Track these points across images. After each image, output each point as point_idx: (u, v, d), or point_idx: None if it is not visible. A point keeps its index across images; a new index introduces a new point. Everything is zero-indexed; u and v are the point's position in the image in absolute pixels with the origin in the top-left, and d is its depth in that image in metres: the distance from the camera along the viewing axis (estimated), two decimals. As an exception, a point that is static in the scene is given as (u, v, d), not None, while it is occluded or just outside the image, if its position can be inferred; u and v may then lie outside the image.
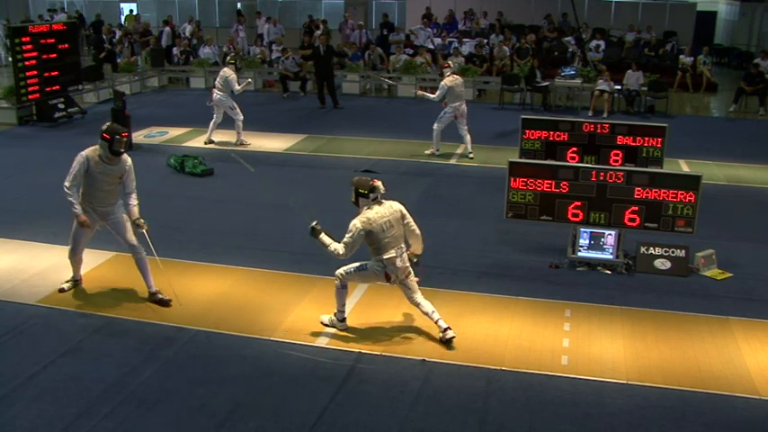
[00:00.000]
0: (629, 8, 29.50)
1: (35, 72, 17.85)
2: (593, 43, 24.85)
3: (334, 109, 20.37)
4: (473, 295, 8.87)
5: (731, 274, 9.55)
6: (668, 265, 9.58)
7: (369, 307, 8.54)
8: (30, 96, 17.89)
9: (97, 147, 8.40)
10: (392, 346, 7.67)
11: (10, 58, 26.24)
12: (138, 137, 16.48)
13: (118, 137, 8.31)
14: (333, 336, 7.91)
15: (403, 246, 7.80)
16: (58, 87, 18.58)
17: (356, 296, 8.76)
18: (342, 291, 7.94)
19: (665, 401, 6.79)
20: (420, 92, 16.01)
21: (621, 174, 9.41)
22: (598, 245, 9.65)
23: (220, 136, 16.36)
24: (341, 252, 7.60)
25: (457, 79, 14.76)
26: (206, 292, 8.90)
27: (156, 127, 17.82)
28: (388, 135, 16.19)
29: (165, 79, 24.73)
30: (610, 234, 9.59)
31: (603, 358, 7.49)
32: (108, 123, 8.67)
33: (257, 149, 15.75)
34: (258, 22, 29.12)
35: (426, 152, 15.24)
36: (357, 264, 7.89)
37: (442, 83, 14.72)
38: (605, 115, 18.91)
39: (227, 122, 16.12)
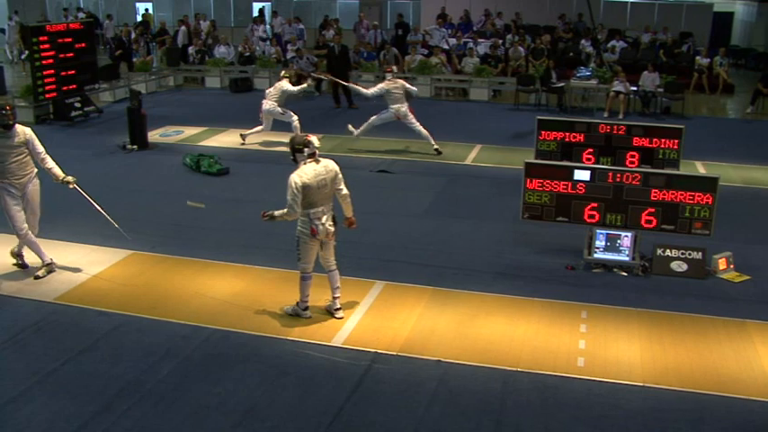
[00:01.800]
0: (644, 9, 29.37)
1: (52, 71, 17.96)
2: (612, 43, 24.75)
3: (349, 109, 20.37)
4: (488, 296, 8.86)
5: (749, 277, 9.50)
6: (685, 267, 9.54)
7: (384, 307, 8.54)
8: (47, 95, 18.01)
9: None
10: (408, 347, 7.67)
11: (22, 57, 26.76)
12: (154, 136, 16.55)
13: (3, 111, 8.78)
14: (349, 336, 7.91)
15: (331, 205, 8.05)
16: (74, 86, 18.68)
17: (372, 296, 8.79)
18: (304, 282, 8.15)
19: (681, 404, 6.76)
20: (354, 85, 16.44)
21: (638, 175, 9.38)
22: (614, 246, 9.62)
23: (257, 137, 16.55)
24: (292, 211, 7.74)
25: (396, 83, 15.19)
26: (222, 290, 8.92)
27: (172, 126, 17.88)
28: (403, 135, 16.15)
29: (180, 78, 24.81)
30: (626, 236, 9.56)
31: (620, 360, 7.47)
32: None
33: (270, 149, 15.80)
34: (274, 22, 29.21)
35: (350, 128, 15.69)
36: (295, 244, 8.11)
37: (381, 85, 15.28)
38: (621, 116, 18.85)
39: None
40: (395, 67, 16.26)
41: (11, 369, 7.25)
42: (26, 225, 9.13)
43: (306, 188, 7.69)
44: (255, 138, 16.34)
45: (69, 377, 7.11)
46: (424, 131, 15.24)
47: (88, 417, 6.49)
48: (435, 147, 15.27)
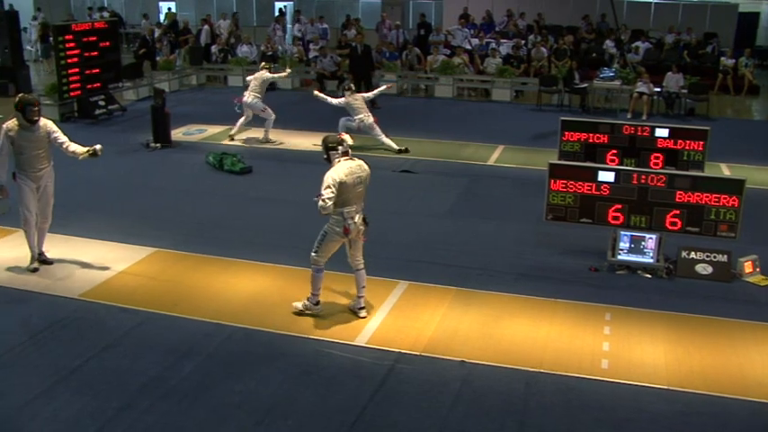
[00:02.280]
0: (668, 9, 29.12)
1: (77, 69, 18.06)
2: (635, 44, 24.60)
3: (372, 108, 20.35)
4: (512, 297, 8.83)
5: (775, 281, 9.43)
6: (710, 269, 9.46)
7: (408, 307, 8.53)
8: (71, 93, 18.12)
9: (14, 118, 9.04)
10: (431, 347, 7.66)
11: (39, 55, 27.03)
12: (177, 134, 16.62)
13: (30, 107, 8.96)
14: (372, 335, 7.90)
15: (363, 205, 8.13)
16: (98, 85, 18.79)
17: (395, 296, 8.78)
18: (317, 275, 8.18)
19: (707, 408, 6.71)
20: (317, 92, 16.51)
21: (663, 177, 9.31)
22: (638, 248, 9.56)
23: (251, 134, 16.63)
24: (323, 203, 7.70)
25: (356, 98, 15.51)
26: (245, 289, 8.95)
27: (195, 125, 17.96)
28: (426, 135, 16.17)
29: (203, 77, 24.92)
30: (650, 238, 9.50)
31: (644, 363, 7.42)
32: (20, 95, 9.35)
33: (294, 147, 15.83)
34: (297, 22, 29.27)
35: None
36: (319, 237, 8.11)
37: (341, 99, 15.62)
38: (644, 117, 18.73)
39: (257, 121, 16.38)
40: (353, 86, 16.42)
41: (37, 365, 7.30)
42: (34, 217, 9.33)
43: (342, 185, 7.74)
44: (278, 137, 16.38)
45: (93, 374, 7.15)
46: (387, 141, 15.49)
47: (112, 413, 6.53)
48: (398, 148, 15.48)
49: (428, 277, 9.26)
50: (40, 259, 9.56)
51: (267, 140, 16.34)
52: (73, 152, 9.28)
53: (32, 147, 9.06)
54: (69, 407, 6.62)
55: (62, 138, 9.26)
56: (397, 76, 22.91)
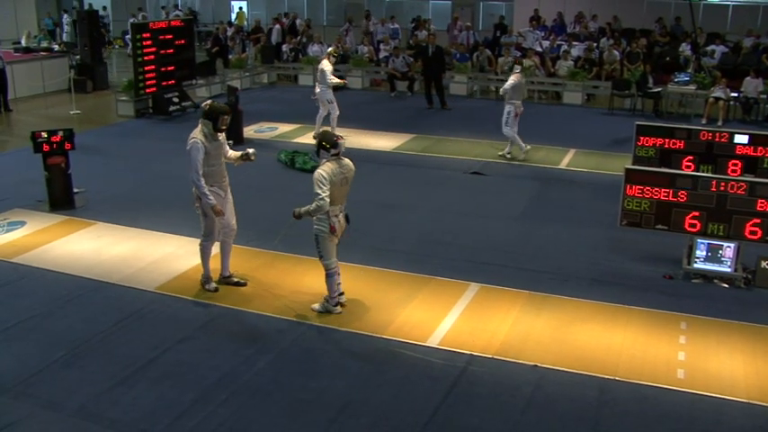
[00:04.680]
0: (747, 11, 28.40)
1: (153, 67, 18.47)
2: (711, 47, 24.06)
3: (442, 109, 20.36)
4: (585, 302, 8.72)
5: None
6: (790, 281, 9.22)
7: (479, 309, 8.49)
8: (147, 90, 18.53)
9: (200, 127, 8.48)
10: (504, 350, 7.61)
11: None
12: (249, 132, 16.87)
13: (223, 116, 8.45)
14: (444, 337, 7.88)
15: (345, 205, 8.29)
16: (173, 82, 19.17)
17: (467, 298, 8.75)
18: (331, 279, 8.31)
19: (789, 424, 6.54)
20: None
21: (744, 184, 9.09)
22: (715, 257, 9.36)
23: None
24: (323, 203, 7.87)
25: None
26: (317, 287, 8.98)
27: (266, 122, 18.18)
28: (495, 137, 16.04)
29: (274, 76, 25.22)
30: (728, 246, 9.29)
31: (722, 374, 7.26)
32: (210, 103, 8.74)
33: (364, 147, 15.87)
34: (367, 22, 29.39)
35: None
36: (315, 243, 8.25)
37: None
38: (720, 123, 18.32)
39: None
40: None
41: (115, 354, 7.49)
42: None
43: (330, 185, 7.90)
44: (348, 136, 16.43)
45: (169, 365, 7.31)
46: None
47: (188, 404, 6.66)
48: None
49: (500, 280, 9.21)
50: (228, 282, 9.13)
51: None
52: (228, 158, 8.84)
53: (218, 156, 8.59)
54: (148, 395, 6.79)
55: (226, 147, 8.80)
56: (467, 77, 22.82)
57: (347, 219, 8.33)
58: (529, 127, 15.93)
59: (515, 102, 14.63)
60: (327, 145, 8.06)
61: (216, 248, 9.07)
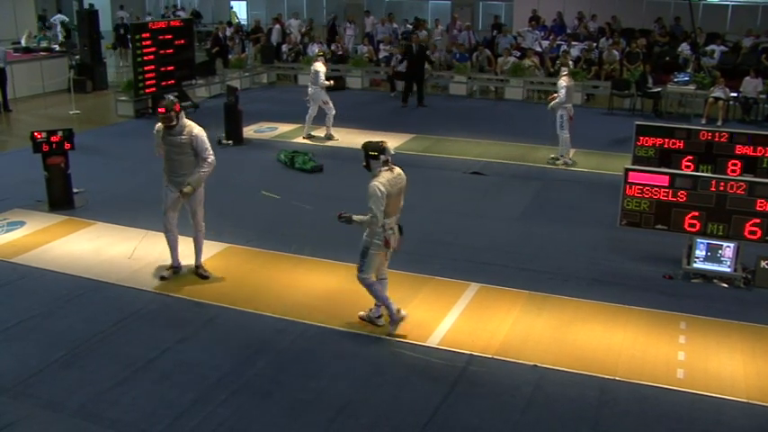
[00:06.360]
0: (746, 11, 28.39)
1: (152, 67, 18.44)
2: (710, 47, 24.05)
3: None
4: (585, 302, 8.72)
5: None
6: (790, 280, 9.22)
7: (480, 309, 8.50)
8: (146, 90, 18.51)
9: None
10: (504, 350, 7.62)
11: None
12: (249, 132, 16.87)
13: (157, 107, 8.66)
14: (444, 337, 7.89)
15: (399, 216, 7.81)
16: (172, 82, 19.14)
17: (467, 298, 8.76)
18: (373, 288, 7.87)
19: (790, 425, 6.54)
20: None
21: (744, 184, 9.10)
22: (715, 257, 9.36)
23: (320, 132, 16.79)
24: (376, 219, 7.46)
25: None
26: (317, 286, 9.02)
27: (266, 122, 18.18)
28: (496, 137, 16.07)
29: (273, 76, 25.21)
30: (728, 246, 9.29)
31: (721, 375, 7.26)
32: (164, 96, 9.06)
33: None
34: (366, 21, 29.39)
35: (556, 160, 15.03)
36: (360, 255, 7.81)
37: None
38: (719, 123, 18.31)
39: (320, 117, 16.54)
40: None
41: (115, 354, 7.50)
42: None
43: (387, 197, 7.50)
44: (348, 136, 16.47)
45: (169, 365, 7.31)
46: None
47: (188, 404, 6.66)
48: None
49: (500, 280, 9.22)
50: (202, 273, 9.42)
51: (330, 137, 16.51)
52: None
53: (171, 151, 8.98)
54: (148, 395, 6.79)
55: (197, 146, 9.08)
56: (467, 77, 22.81)
57: (400, 229, 7.86)
58: (528, 126, 15.97)
59: (567, 105, 14.43)
60: (375, 153, 7.52)
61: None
